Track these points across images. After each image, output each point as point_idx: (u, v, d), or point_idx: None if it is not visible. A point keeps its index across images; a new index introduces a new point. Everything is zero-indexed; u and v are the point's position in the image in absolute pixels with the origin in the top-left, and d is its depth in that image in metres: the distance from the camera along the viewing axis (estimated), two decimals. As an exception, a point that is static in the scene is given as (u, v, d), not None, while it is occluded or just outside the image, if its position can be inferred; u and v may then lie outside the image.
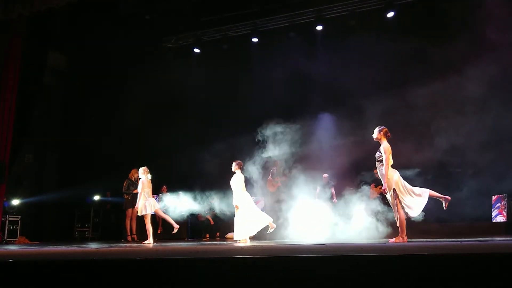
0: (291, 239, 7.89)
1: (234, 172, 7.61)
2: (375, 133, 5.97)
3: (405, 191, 5.73)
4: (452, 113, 8.44)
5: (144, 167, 8.07)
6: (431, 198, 5.77)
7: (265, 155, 8.82)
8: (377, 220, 7.83)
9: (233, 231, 7.61)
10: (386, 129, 5.95)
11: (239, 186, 7.46)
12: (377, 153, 5.92)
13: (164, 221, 10.66)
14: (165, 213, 10.54)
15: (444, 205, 5.77)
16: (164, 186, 10.91)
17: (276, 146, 8.76)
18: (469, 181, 8.33)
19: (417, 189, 5.79)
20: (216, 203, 10.01)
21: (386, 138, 5.90)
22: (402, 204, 5.72)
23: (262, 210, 9.61)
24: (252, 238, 7.61)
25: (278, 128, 8.87)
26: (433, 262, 2.66)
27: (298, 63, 10.42)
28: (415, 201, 5.71)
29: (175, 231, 8.12)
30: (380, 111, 8.59)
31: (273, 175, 9.36)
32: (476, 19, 8.62)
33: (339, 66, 9.78)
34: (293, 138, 8.89)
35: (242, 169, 7.71)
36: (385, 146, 5.82)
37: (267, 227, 7.45)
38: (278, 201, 8.91)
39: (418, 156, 8.10)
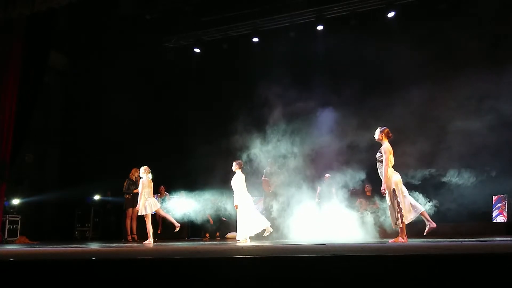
0: (291, 239, 7.88)
1: (235, 172, 7.61)
2: (377, 134, 5.99)
3: (402, 194, 5.78)
4: (455, 113, 8.44)
5: (145, 167, 8.07)
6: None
7: (264, 154, 8.82)
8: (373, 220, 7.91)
9: (234, 231, 7.62)
10: (388, 129, 5.98)
11: (240, 186, 7.45)
12: (378, 153, 5.93)
13: (165, 221, 10.66)
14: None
15: (426, 230, 5.81)
16: (162, 187, 10.88)
17: (275, 145, 8.77)
18: (470, 181, 8.32)
19: (412, 201, 5.86)
20: (217, 203, 10.03)
21: (387, 138, 5.93)
22: (401, 205, 5.73)
23: (262, 210, 9.62)
24: (252, 238, 7.61)
25: (278, 127, 8.88)
26: (433, 262, 2.65)
27: (298, 63, 10.42)
28: (410, 206, 5.78)
29: (176, 229, 8.13)
30: (380, 111, 8.59)
31: (267, 174, 9.35)
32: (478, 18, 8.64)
33: (339, 66, 9.78)
34: (292, 137, 8.89)
35: (242, 168, 7.70)
36: (385, 146, 5.85)
37: (263, 230, 7.47)
38: (275, 201, 8.90)
39: (417, 156, 8.10)
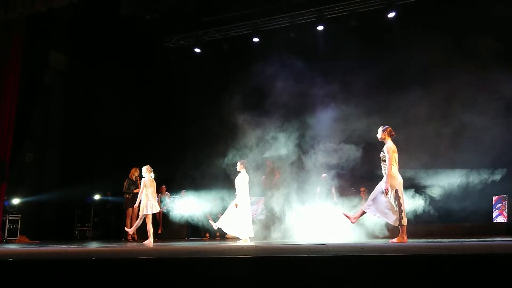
0: (291, 239, 7.89)
1: (239, 172, 7.60)
2: (379, 133, 5.94)
3: (403, 195, 5.77)
4: (455, 113, 8.44)
5: (147, 166, 8.04)
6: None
7: (264, 154, 8.83)
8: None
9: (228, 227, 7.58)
10: (390, 128, 5.92)
11: (242, 186, 7.45)
12: (381, 153, 5.89)
13: (165, 221, 10.69)
14: (162, 215, 10.58)
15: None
16: (164, 186, 10.89)
17: (275, 145, 8.78)
18: (470, 181, 8.33)
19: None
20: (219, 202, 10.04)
21: (390, 137, 5.88)
22: (402, 207, 5.71)
23: (263, 209, 9.63)
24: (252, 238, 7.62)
25: (278, 127, 8.88)
26: (433, 262, 2.65)
27: (298, 63, 10.41)
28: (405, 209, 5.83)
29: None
30: (380, 111, 8.59)
31: (266, 173, 9.39)
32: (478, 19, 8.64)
33: (339, 66, 9.77)
34: (292, 136, 8.90)
35: (246, 168, 7.69)
36: (388, 145, 5.80)
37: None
38: (275, 200, 8.91)
39: (418, 156, 8.11)
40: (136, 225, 8.17)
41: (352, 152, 8.50)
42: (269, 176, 9.35)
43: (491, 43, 8.60)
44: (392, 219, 5.77)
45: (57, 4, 8.59)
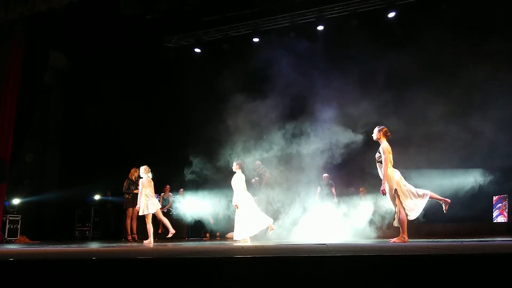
0: (291, 239, 7.89)
1: (235, 172, 7.62)
2: (375, 133, 5.93)
3: (405, 192, 5.70)
4: (455, 113, 8.44)
5: (145, 166, 8.07)
6: (431, 199, 5.74)
7: (263, 154, 8.85)
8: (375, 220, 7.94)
9: (233, 231, 7.63)
10: (386, 128, 5.90)
11: (239, 186, 7.46)
12: (377, 153, 5.87)
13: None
14: (165, 213, 10.59)
15: (444, 208, 5.69)
16: (168, 186, 10.91)
17: (273, 145, 8.79)
18: (470, 180, 8.33)
19: (419, 190, 5.73)
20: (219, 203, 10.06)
21: (385, 138, 5.86)
22: (403, 205, 5.68)
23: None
24: (252, 238, 7.61)
25: (278, 127, 8.89)
26: (433, 262, 2.65)
27: (298, 63, 10.41)
28: (414, 203, 5.67)
29: (169, 235, 8.01)
30: (380, 111, 8.59)
31: (256, 176, 9.43)
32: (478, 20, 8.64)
33: (339, 66, 9.77)
34: (292, 136, 8.91)
35: (242, 168, 7.72)
36: (384, 146, 5.78)
37: (266, 229, 7.47)
38: (268, 201, 8.94)
39: (418, 156, 8.11)
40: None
41: (351, 151, 8.51)
42: (259, 178, 9.39)
43: (492, 42, 8.61)
44: (396, 219, 5.78)
45: (57, 4, 8.60)
